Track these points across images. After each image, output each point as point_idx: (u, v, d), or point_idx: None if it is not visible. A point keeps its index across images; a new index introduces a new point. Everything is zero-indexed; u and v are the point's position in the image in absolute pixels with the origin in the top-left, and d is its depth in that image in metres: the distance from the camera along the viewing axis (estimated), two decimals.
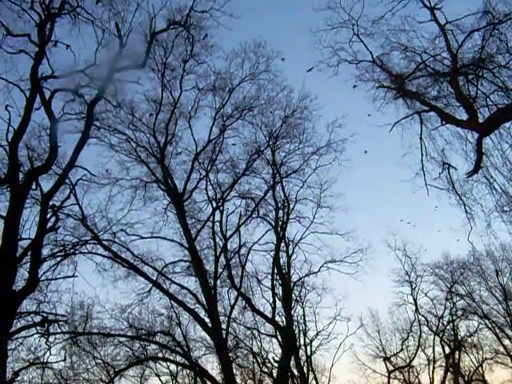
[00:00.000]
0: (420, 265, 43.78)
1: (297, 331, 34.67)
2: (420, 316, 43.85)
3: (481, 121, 19.72)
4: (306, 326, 36.72)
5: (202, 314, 27.81)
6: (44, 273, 23.34)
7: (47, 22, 20.11)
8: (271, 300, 31.77)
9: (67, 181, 23.65)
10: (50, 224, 21.33)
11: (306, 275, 33.24)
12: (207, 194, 30.83)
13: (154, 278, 27.97)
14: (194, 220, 30.76)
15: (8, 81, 19.91)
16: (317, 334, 37.35)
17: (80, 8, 19.99)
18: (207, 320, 27.13)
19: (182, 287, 28.94)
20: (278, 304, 31.62)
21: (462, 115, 20.96)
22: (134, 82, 24.16)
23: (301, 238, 32.59)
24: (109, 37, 21.88)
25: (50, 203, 21.23)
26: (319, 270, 32.94)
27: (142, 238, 28.89)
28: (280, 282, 31.85)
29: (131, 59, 23.12)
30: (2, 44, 19.84)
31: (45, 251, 23.14)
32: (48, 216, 20.69)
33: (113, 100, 25.72)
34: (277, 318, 31.22)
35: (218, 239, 30.34)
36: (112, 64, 21.87)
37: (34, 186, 20.44)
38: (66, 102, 22.19)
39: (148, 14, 23.83)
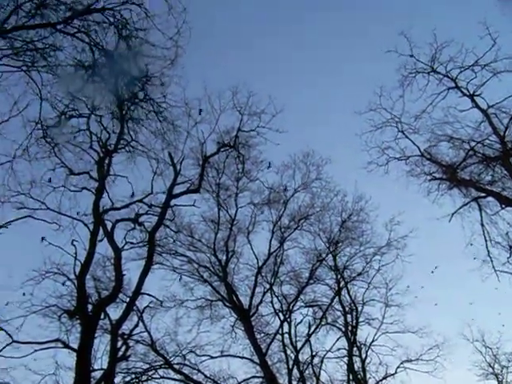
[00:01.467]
0: (503, 354, 40.92)
1: None
2: None
3: None
4: None
5: None
6: None
7: (105, 158, 21.46)
8: None
9: (134, 307, 23.93)
10: (120, 353, 21.48)
11: (383, 378, 31.53)
12: (273, 306, 30.56)
13: None
14: (262, 334, 30.24)
15: (72, 217, 21.06)
16: None
17: (135, 142, 21.23)
18: None
19: None
20: None
21: None
22: (191, 206, 25.18)
23: (373, 341, 31.37)
24: (163, 166, 23.13)
25: (120, 332, 21.51)
26: (396, 372, 31.25)
27: (212, 357, 28.43)
28: None
29: (186, 184, 24.21)
30: (65, 184, 21.23)
31: (117, 380, 23.15)
32: (118, 345, 20.90)
33: (171, 225, 26.48)
34: None
35: (288, 351, 29.74)
36: (168, 191, 22.90)
37: (102, 316, 20.75)
38: (128, 231, 23.21)
39: (198, 139, 25.30)
